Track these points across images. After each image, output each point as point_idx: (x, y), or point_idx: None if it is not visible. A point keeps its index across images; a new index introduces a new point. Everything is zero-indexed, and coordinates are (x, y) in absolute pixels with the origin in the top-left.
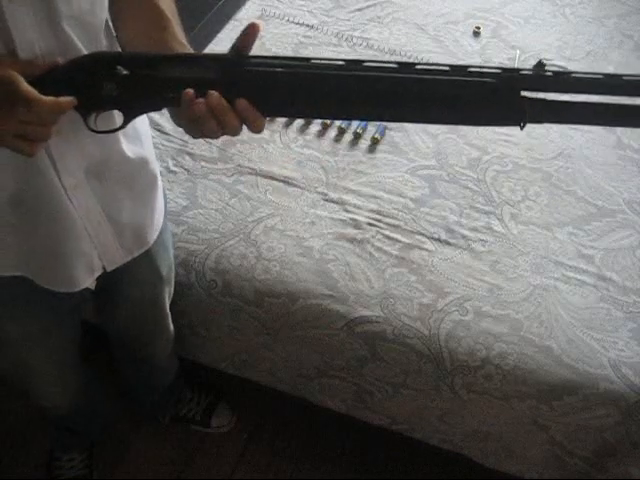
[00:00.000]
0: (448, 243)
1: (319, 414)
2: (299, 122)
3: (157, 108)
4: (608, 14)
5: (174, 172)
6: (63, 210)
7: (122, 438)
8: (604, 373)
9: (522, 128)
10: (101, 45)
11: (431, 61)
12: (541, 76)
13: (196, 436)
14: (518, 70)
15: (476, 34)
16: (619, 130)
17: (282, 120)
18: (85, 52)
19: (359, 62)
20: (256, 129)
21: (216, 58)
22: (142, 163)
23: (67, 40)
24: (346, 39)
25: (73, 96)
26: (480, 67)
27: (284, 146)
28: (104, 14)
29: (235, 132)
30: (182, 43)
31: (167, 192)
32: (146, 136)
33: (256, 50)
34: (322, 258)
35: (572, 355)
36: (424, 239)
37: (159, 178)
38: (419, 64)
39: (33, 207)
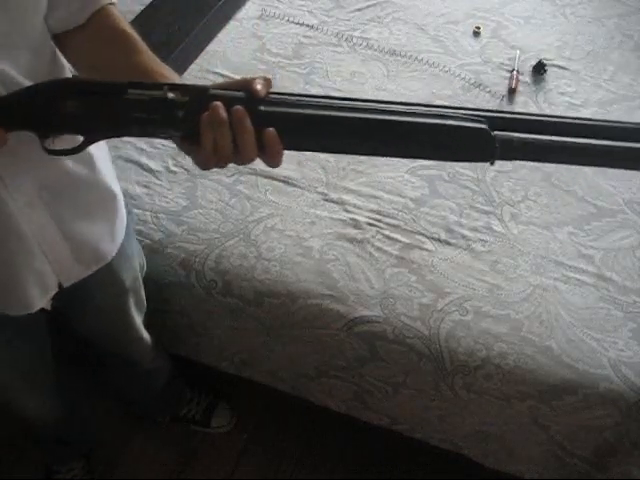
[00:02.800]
0: (448, 243)
1: (319, 414)
2: None
3: (117, 134)
4: (608, 14)
5: (174, 172)
6: (15, 228)
7: (122, 438)
8: (604, 373)
9: (492, 164)
10: (38, 72)
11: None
12: (512, 118)
13: (196, 436)
14: (489, 110)
15: (476, 34)
16: None
17: None
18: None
19: (340, 100)
20: (275, 162)
21: (181, 85)
22: (94, 184)
23: None
24: (346, 39)
25: (32, 119)
26: (454, 108)
27: None
28: (32, 40)
29: (249, 157)
30: (161, 64)
31: (167, 192)
32: (102, 160)
33: (256, 50)
34: (322, 258)
35: (572, 355)
36: (424, 239)
37: (119, 195)
38: (395, 103)
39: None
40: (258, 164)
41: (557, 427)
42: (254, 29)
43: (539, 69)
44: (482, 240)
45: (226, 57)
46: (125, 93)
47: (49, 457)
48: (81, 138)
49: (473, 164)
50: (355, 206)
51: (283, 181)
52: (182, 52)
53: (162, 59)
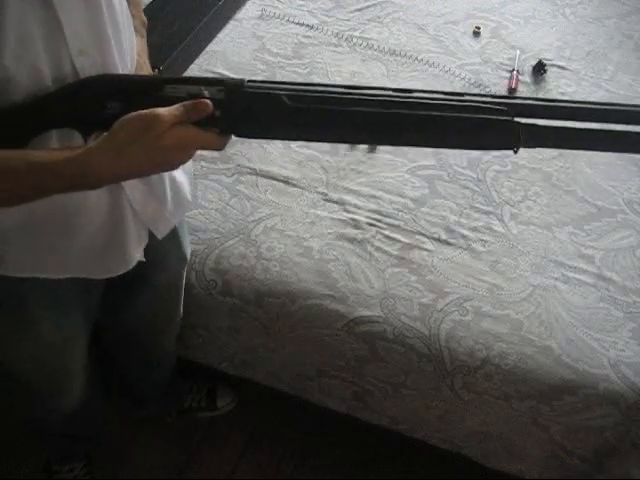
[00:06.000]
0: (448, 243)
1: (319, 414)
2: None
3: None
4: (608, 14)
5: None
6: (116, 201)
7: (123, 438)
8: (604, 373)
9: (516, 152)
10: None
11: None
12: (533, 104)
13: (196, 436)
14: (512, 97)
15: (476, 34)
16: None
17: None
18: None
19: (359, 88)
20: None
21: (217, 81)
22: None
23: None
24: (346, 39)
25: (75, 118)
26: (474, 95)
27: (284, 146)
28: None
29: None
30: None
31: None
32: None
33: (256, 50)
34: (322, 258)
35: (572, 355)
36: (424, 239)
37: None
38: (416, 91)
39: (90, 210)
40: (258, 164)
41: (557, 427)
42: (254, 29)
43: (539, 69)
44: (482, 240)
45: (226, 57)
46: (162, 90)
47: (53, 454)
48: None
49: (473, 164)
50: (355, 206)
51: (283, 181)
52: (182, 52)
53: (162, 59)
